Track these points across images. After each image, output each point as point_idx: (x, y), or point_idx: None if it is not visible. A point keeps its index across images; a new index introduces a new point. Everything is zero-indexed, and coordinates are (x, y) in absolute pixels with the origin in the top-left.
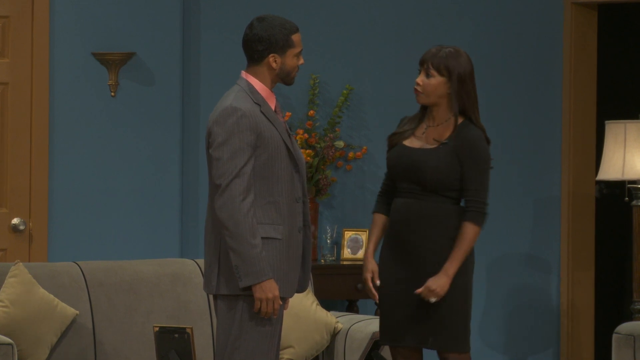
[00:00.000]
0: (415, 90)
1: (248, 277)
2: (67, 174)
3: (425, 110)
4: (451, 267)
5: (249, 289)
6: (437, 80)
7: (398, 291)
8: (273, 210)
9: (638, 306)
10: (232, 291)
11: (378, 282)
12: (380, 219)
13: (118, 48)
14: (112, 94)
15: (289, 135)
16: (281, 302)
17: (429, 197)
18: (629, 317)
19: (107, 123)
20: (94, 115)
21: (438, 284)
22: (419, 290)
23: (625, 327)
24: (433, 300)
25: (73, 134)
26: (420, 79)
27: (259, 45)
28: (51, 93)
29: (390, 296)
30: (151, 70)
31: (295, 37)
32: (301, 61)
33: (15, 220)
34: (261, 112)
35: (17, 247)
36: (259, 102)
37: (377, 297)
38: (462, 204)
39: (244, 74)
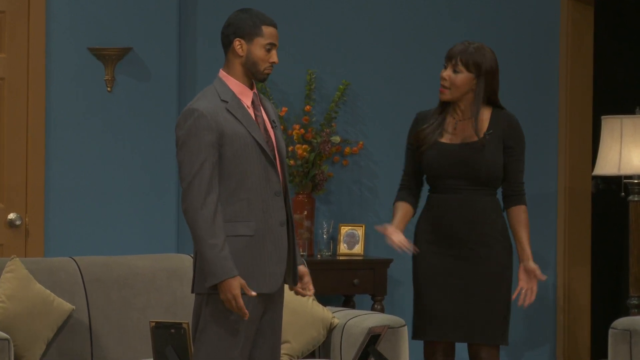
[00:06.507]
0: (442, 85)
1: (210, 277)
2: (64, 169)
3: (444, 107)
4: (530, 252)
5: (216, 287)
6: (465, 75)
7: (446, 286)
8: (244, 207)
9: (634, 301)
10: (201, 290)
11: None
12: (404, 206)
13: (114, 43)
14: (109, 89)
15: (265, 130)
16: (242, 302)
17: (479, 190)
18: (626, 312)
19: (103, 118)
20: (90, 111)
21: (534, 268)
22: (524, 289)
23: (621, 322)
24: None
25: (69, 130)
26: (447, 73)
27: (228, 29)
28: (47, 88)
29: (436, 291)
30: (147, 66)
31: (267, 29)
32: (273, 58)
33: (11, 216)
34: (227, 109)
35: (14, 243)
36: (227, 99)
37: (415, 248)
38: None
39: (220, 72)
